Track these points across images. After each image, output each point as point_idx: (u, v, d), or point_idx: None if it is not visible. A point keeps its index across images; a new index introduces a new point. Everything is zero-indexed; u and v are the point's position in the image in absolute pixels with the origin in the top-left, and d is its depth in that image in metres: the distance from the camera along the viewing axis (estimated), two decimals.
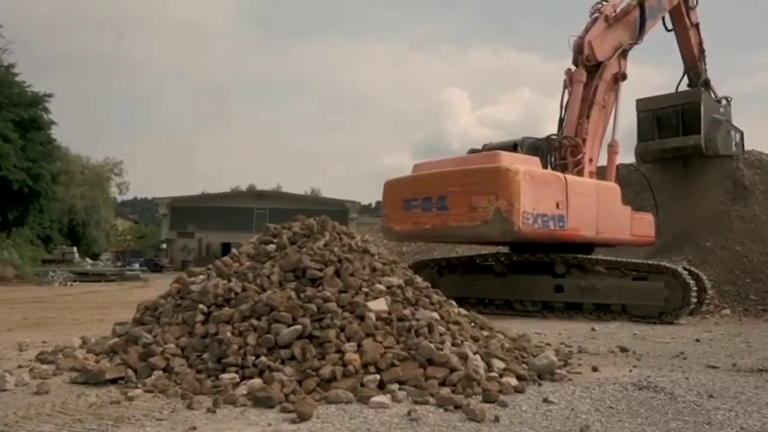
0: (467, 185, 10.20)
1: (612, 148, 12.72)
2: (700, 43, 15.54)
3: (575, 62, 12.59)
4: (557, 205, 10.31)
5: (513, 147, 11.60)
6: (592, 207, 10.98)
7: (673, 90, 16.32)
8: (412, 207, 11.04)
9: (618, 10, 12.92)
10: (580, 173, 11.70)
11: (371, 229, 22.75)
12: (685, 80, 15.99)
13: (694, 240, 14.38)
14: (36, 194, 27.74)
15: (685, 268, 11.03)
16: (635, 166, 15.84)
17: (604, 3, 12.92)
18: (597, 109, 12.30)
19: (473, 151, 12.33)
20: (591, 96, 12.27)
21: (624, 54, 12.92)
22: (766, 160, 16.18)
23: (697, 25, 15.33)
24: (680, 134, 15.26)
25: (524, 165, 10.30)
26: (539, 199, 10.06)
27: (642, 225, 12.15)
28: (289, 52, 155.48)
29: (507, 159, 10.35)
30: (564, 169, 11.66)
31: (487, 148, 12.07)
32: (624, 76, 12.89)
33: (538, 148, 11.78)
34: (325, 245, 5.82)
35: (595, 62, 12.45)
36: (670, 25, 14.95)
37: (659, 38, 14.74)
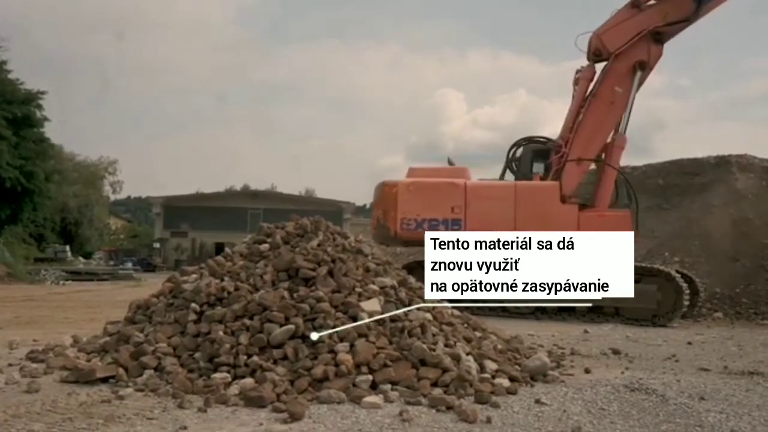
0: (376, 198, 12.31)
1: (615, 143, 11.76)
2: None
3: (588, 59, 11.98)
4: (452, 210, 11.35)
5: (449, 161, 12.98)
6: (505, 208, 11.24)
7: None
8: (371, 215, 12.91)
9: None
10: (557, 174, 11.51)
11: (365, 229, 22.71)
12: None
13: (687, 243, 14.43)
14: (29, 192, 27.56)
15: (678, 271, 11.05)
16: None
17: None
18: (601, 104, 11.59)
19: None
20: (593, 90, 11.70)
21: (657, 38, 11.57)
22: (759, 165, 16.27)
23: None
24: None
25: (414, 178, 11.81)
26: (428, 206, 11.42)
27: (613, 222, 11.00)
28: (286, 53, 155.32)
29: (408, 174, 11.97)
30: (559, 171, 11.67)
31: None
32: (643, 65, 11.58)
33: (538, 152, 12.09)
34: (319, 245, 5.82)
35: (606, 55, 11.68)
36: None
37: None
